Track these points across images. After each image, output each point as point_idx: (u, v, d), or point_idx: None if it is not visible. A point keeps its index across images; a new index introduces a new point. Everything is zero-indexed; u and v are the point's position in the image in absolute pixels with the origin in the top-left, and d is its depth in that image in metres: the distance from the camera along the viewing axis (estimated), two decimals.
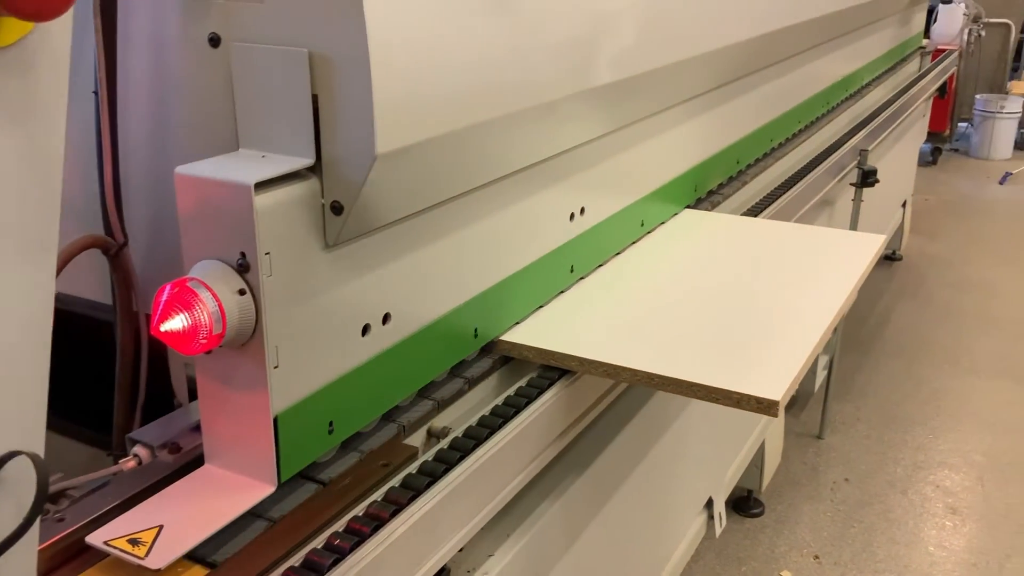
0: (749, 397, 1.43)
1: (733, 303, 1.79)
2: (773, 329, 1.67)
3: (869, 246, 2.06)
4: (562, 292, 1.79)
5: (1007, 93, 8.46)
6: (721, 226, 2.22)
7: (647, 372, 1.51)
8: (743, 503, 3.31)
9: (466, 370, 1.52)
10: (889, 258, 5.62)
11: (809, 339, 1.61)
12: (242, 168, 1.07)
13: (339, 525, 1.17)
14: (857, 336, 4.64)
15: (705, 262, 1.99)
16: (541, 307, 1.71)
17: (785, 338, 1.63)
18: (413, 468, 1.29)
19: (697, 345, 1.61)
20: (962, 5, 7.77)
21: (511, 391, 1.54)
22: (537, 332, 1.62)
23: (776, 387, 1.45)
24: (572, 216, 1.78)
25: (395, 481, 1.26)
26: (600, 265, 1.91)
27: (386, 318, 1.28)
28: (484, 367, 1.54)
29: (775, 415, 1.45)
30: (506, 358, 1.60)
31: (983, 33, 8.14)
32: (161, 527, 1.10)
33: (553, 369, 1.58)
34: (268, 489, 1.14)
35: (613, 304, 1.76)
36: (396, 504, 1.20)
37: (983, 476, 3.55)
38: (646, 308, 1.75)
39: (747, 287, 1.87)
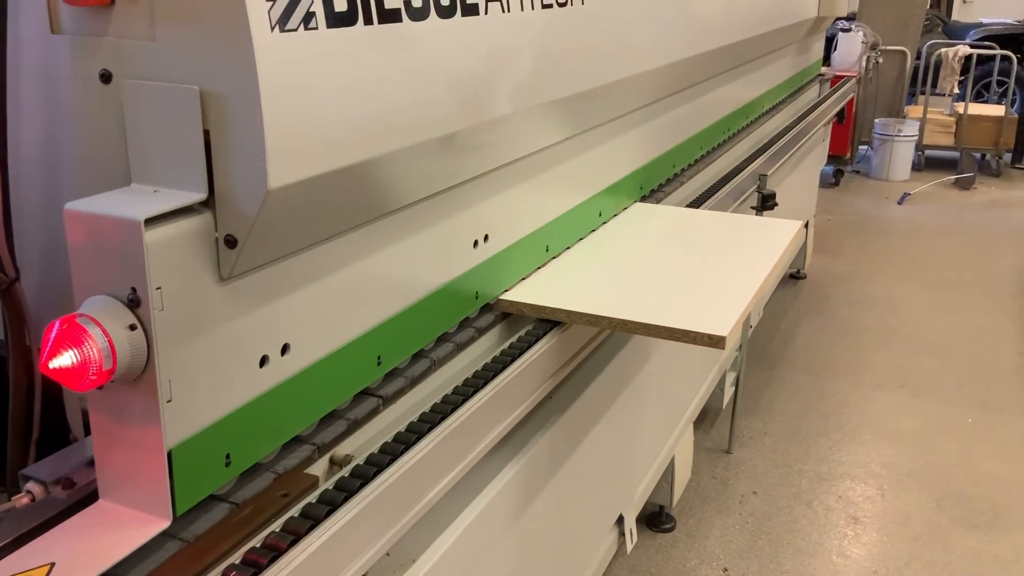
0: (702, 334, 1.81)
1: (686, 269, 2.20)
2: (719, 286, 2.08)
3: (790, 228, 2.52)
4: (467, 319, 1.83)
5: (904, 117, 8.87)
6: (668, 215, 2.67)
7: (623, 319, 1.88)
8: (655, 518, 3.38)
9: (474, 321, 1.83)
10: (794, 276, 5.83)
11: (746, 292, 2.02)
12: (133, 203, 1.07)
13: (236, 556, 1.18)
14: (764, 353, 4.79)
15: (658, 240, 2.41)
16: (524, 279, 2.02)
17: (728, 292, 2.02)
18: (313, 497, 1.30)
19: (661, 299, 2.00)
20: (860, 33, 8.14)
21: (514, 339, 1.92)
22: (531, 292, 1.97)
23: (723, 327, 1.83)
24: (476, 243, 1.82)
25: (294, 511, 1.27)
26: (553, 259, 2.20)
27: (285, 349, 1.30)
28: (487, 320, 1.87)
29: (723, 348, 1.81)
30: (505, 314, 1.93)
31: (881, 60, 8.54)
32: (53, 564, 1.09)
33: (545, 322, 1.95)
34: (163, 524, 1.14)
35: (590, 272, 2.14)
36: (294, 534, 1.22)
37: (883, 486, 3.70)
38: (617, 274, 2.14)
39: (696, 258, 2.29)
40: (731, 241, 2.44)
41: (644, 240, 2.37)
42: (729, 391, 3.97)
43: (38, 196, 1.27)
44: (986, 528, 3.44)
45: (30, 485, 1.23)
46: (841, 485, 3.69)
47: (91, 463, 1.23)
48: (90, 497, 1.22)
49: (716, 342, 1.79)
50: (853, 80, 6.55)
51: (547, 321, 1.97)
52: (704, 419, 4.09)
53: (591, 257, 2.22)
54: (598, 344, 2.19)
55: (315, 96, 1.16)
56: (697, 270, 2.18)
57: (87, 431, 1.31)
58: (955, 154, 8.84)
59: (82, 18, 1.16)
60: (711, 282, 2.11)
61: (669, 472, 3.23)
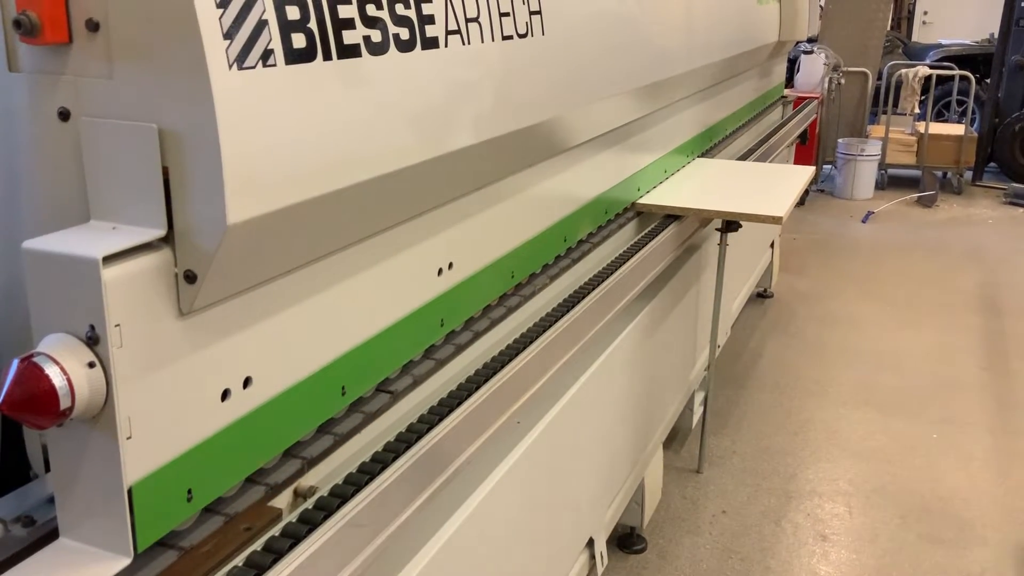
0: (768, 215, 3.13)
1: (748, 187, 3.52)
2: (770, 195, 3.38)
3: (807, 171, 3.85)
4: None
5: (867, 137, 9.02)
6: (722, 165, 3.88)
7: (717, 211, 3.17)
8: (626, 540, 3.39)
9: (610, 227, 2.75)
10: (761, 295, 5.89)
11: (789, 196, 3.32)
12: (91, 241, 1.08)
13: None
14: (732, 371, 4.84)
15: (725, 174, 3.69)
16: (654, 187, 3.24)
17: (776, 198, 3.31)
18: (276, 531, 1.30)
19: (737, 201, 3.26)
20: (822, 55, 8.30)
21: (646, 231, 2.97)
22: (656, 198, 3.14)
23: (780, 210, 3.15)
24: (440, 271, 1.83)
25: (257, 545, 1.27)
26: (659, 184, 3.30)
27: (247, 382, 1.30)
28: (627, 218, 2.95)
29: (780, 224, 3.23)
30: (639, 212, 3.04)
31: (843, 81, 8.70)
32: None
33: (669, 217, 3.10)
34: (124, 561, 1.13)
35: (691, 187, 3.38)
36: (258, 568, 1.21)
37: (850, 503, 3.73)
38: (705, 189, 3.38)
39: (753, 181, 3.62)
40: (770, 176, 3.72)
41: (714, 173, 3.66)
42: (698, 411, 4.00)
43: None
44: (952, 543, 3.48)
45: None
46: (809, 503, 3.73)
47: (51, 500, 1.22)
48: (50, 535, 1.21)
49: (776, 220, 3.13)
50: (815, 102, 6.66)
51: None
52: (674, 439, 4.11)
53: (687, 179, 3.49)
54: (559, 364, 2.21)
55: (274, 132, 1.17)
56: (753, 188, 3.48)
57: (47, 468, 1.30)
58: (917, 173, 9.00)
59: (40, 56, 1.16)
60: (764, 194, 3.39)
61: (639, 493, 3.25)
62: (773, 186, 3.50)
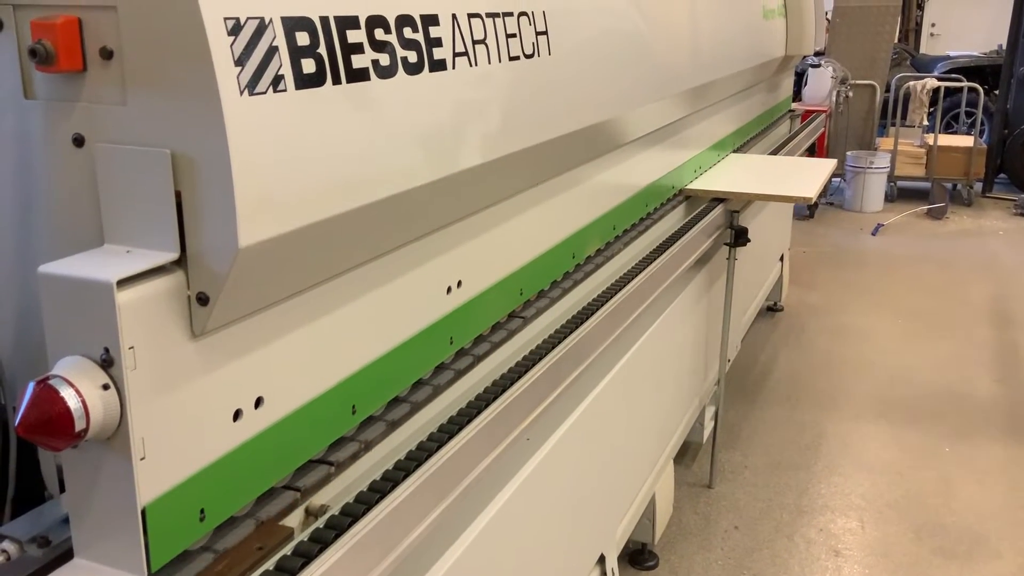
0: (799, 196, 3.60)
1: (778, 176, 3.94)
2: (800, 181, 3.82)
3: (830, 164, 4.32)
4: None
5: (876, 149, 9.02)
6: (752, 159, 4.32)
7: (756, 193, 3.62)
8: (637, 556, 3.38)
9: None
10: (771, 309, 5.88)
11: (815, 184, 3.76)
12: (105, 265, 1.09)
13: None
14: (743, 386, 4.83)
15: (757, 165, 4.16)
16: (661, 203, 3.29)
17: (804, 183, 3.75)
18: (288, 550, 1.31)
19: (774, 183, 3.77)
20: (830, 69, 8.32)
21: (693, 215, 3.34)
22: (701, 184, 3.58)
23: (809, 192, 3.61)
24: (449, 289, 1.84)
25: (269, 564, 1.28)
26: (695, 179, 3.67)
27: (259, 402, 1.31)
28: (676, 203, 3.37)
29: (810, 202, 3.87)
30: (687, 196, 3.47)
31: (851, 94, 8.71)
32: None
33: (714, 200, 3.54)
34: None
35: (731, 175, 3.82)
36: None
37: (863, 518, 3.72)
38: (743, 176, 3.81)
39: (784, 171, 4.06)
40: (797, 167, 4.20)
41: (748, 165, 4.11)
42: (709, 425, 3.99)
43: (12, 258, 1.29)
44: (965, 558, 3.46)
45: (5, 544, 1.23)
46: (822, 518, 3.71)
47: (66, 521, 1.24)
48: (65, 555, 1.23)
49: (807, 200, 3.59)
50: (823, 115, 6.67)
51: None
52: (685, 454, 4.10)
53: (728, 168, 3.97)
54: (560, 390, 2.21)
55: (284, 156, 1.19)
56: (785, 176, 3.92)
57: (62, 488, 1.32)
58: (927, 185, 8.99)
59: (55, 84, 1.19)
60: (794, 179, 3.85)
61: (651, 509, 3.24)
62: (801, 173, 4.00)
